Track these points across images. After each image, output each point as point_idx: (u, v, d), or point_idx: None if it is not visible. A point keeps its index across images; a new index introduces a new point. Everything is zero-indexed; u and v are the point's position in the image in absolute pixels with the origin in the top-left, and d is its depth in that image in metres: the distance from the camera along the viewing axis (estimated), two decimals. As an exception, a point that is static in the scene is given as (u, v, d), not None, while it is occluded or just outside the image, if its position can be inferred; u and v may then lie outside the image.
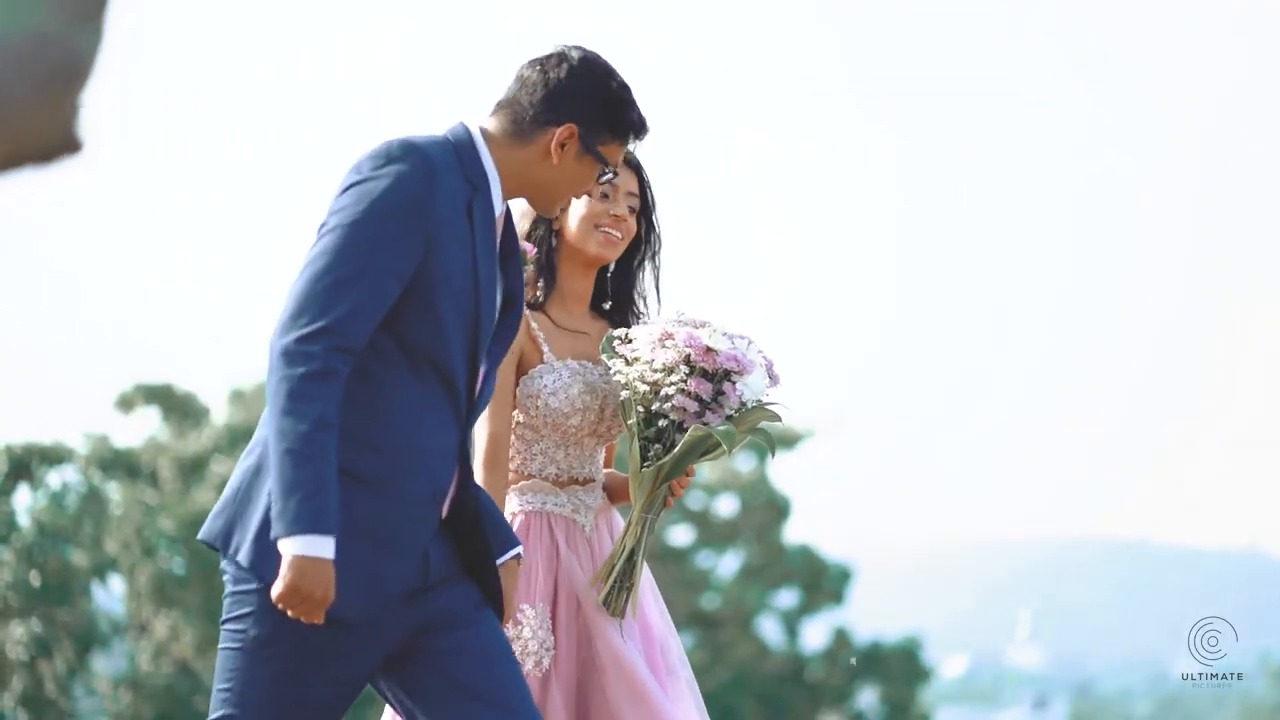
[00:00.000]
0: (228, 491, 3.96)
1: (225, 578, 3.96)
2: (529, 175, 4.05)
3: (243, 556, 3.88)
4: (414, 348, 3.90)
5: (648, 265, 4.89)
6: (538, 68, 4.06)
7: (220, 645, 3.98)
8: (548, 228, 4.80)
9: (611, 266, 4.87)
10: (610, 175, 4.17)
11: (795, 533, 29.82)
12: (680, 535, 29.57)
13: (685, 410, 4.53)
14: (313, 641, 3.89)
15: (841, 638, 29.34)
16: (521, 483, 4.76)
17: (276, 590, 3.75)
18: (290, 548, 3.73)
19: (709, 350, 4.55)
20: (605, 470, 4.91)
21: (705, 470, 30.19)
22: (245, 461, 3.95)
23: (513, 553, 4.26)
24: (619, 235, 4.76)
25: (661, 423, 4.57)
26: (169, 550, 21.13)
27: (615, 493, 4.87)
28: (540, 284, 4.79)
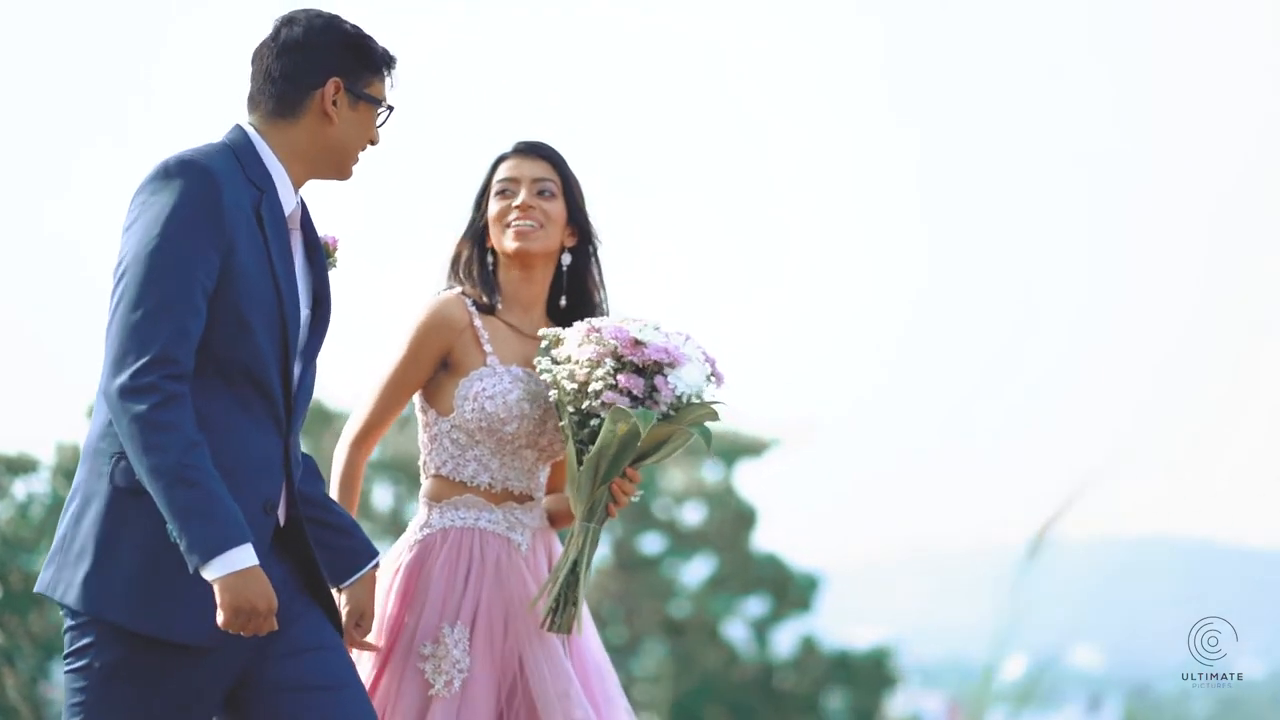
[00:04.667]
0: (55, 543, 3.86)
1: (65, 626, 3.87)
2: (316, 146, 3.99)
3: (72, 598, 3.81)
4: (226, 361, 3.85)
5: (592, 260, 4.78)
6: (273, 45, 3.99)
7: (66, 690, 3.87)
8: (478, 244, 4.75)
9: (566, 263, 4.76)
10: (387, 112, 4.07)
11: (765, 541, 29.91)
12: (649, 543, 29.62)
13: (617, 407, 4.37)
14: (157, 670, 3.81)
15: (810, 646, 29.39)
16: (454, 496, 4.65)
17: (221, 620, 3.70)
18: (212, 572, 3.68)
19: (637, 343, 4.41)
20: (551, 495, 4.78)
21: (674, 478, 30.24)
22: (68, 509, 3.88)
23: (371, 564, 4.25)
24: (530, 224, 4.68)
25: (594, 422, 4.43)
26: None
27: (560, 517, 4.75)
28: (484, 293, 4.70)
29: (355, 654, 4.51)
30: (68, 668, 3.86)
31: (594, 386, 4.39)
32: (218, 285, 3.80)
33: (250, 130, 3.97)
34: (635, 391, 4.38)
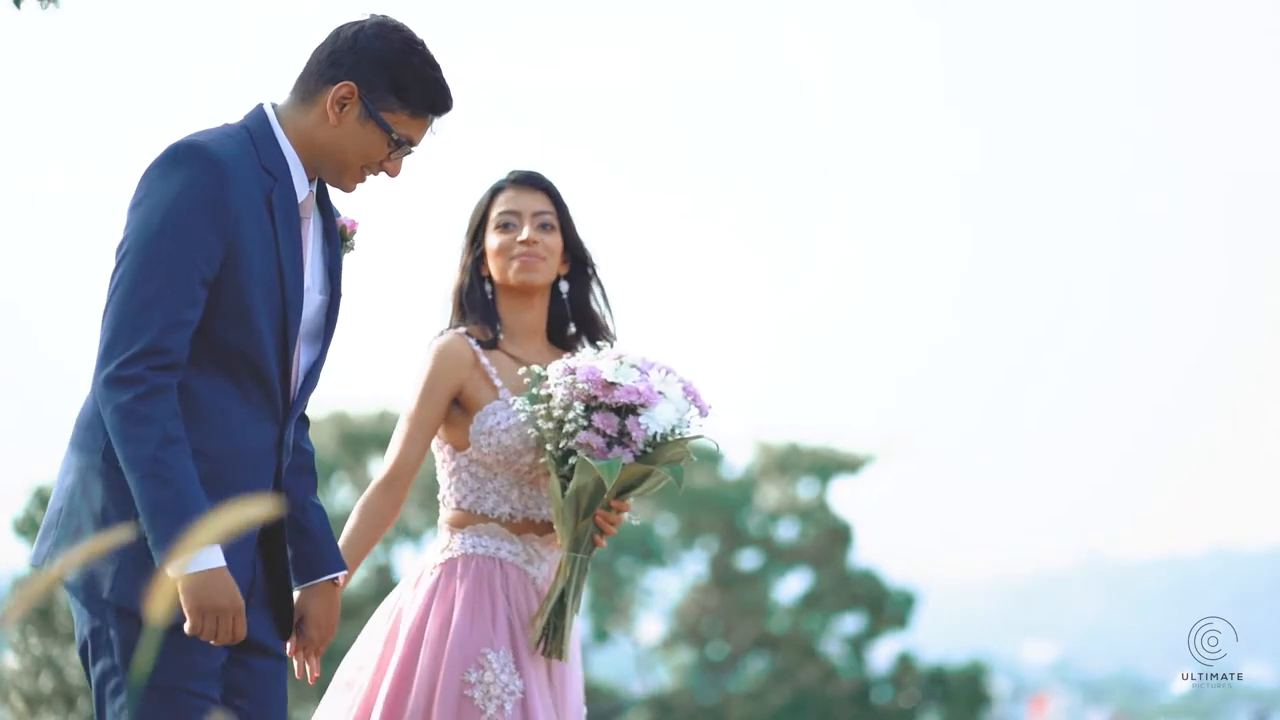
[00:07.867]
0: (49, 514, 3.88)
1: (73, 607, 3.87)
2: (314, 138, 3.95)
3: (72, 578, 3.80)
4: (223, 347, 3.87)
5: (593, 284, 4.91)
6: (334, 36, 3.97)
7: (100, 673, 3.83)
8: (475, 273, 4.87)
9: (565, 291, 4.89)
10: (407, 150, 3.98)
11: (861, 557, 29.92)
12: (746, 559, 29.75)
13: (592, 446, 4.52)
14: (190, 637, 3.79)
15: (906, 662, 29.42)
16: (476, 524, 4.77)
17: (188, 625, 3.71)
18: (175, 570, 3.67)
19: (608, 385, 4.54)
20: None
21: (768, 495, 30.31)
22: (65, 480, 3.88)
23: (330, 576, 4.17)
24: (534, 256, 4.81)
25: (572, 460, 4.56)
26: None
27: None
28: (486, 327, 4.81)
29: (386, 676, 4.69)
30: (90, 648, 3.82)
31: (568, 428, 4.55)
32: (220, 272, 3.81)
33: (270, 111, 3.98)
34: (609, 431, 4.55)
